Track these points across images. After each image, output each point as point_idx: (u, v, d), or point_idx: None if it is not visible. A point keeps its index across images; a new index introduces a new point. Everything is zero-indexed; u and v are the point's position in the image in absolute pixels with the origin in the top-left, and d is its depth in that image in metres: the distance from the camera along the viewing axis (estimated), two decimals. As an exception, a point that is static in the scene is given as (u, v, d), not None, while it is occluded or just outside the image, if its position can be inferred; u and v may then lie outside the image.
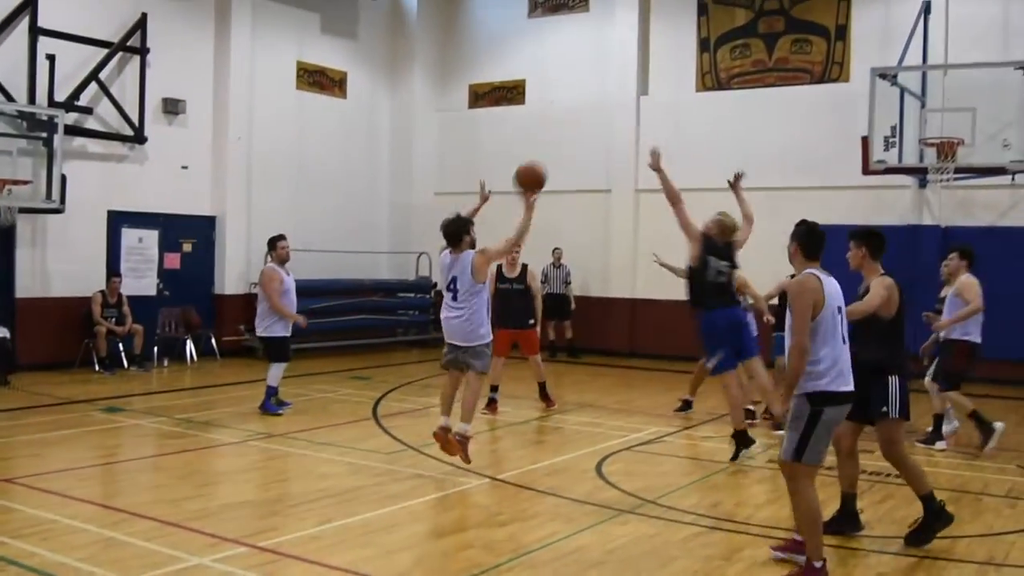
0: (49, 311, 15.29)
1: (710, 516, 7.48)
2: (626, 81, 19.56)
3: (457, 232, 8.92)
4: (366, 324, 19.63)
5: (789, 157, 17.70)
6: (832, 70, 17.90)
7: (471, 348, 8.83)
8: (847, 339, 6.01)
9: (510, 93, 21.24)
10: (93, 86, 15.78)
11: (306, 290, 15.35)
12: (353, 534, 6.80)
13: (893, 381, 6.83)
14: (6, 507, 7.27)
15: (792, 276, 11.82)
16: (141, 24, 16.40)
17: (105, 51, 15.93)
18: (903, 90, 15.65)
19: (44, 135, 14.85)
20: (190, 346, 16.74)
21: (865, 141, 15.08)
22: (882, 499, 8.05)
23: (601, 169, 19.74)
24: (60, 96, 15.26)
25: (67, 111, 15.19)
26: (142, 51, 16.44)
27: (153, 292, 16.91)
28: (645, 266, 19.09)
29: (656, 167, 9.65)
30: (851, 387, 5.99)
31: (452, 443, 8.65)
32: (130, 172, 16.54)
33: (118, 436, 10.66)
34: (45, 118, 14.84)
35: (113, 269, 15.97)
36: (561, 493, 8.08)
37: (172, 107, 17.04)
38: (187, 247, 17.50)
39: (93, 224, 15.99)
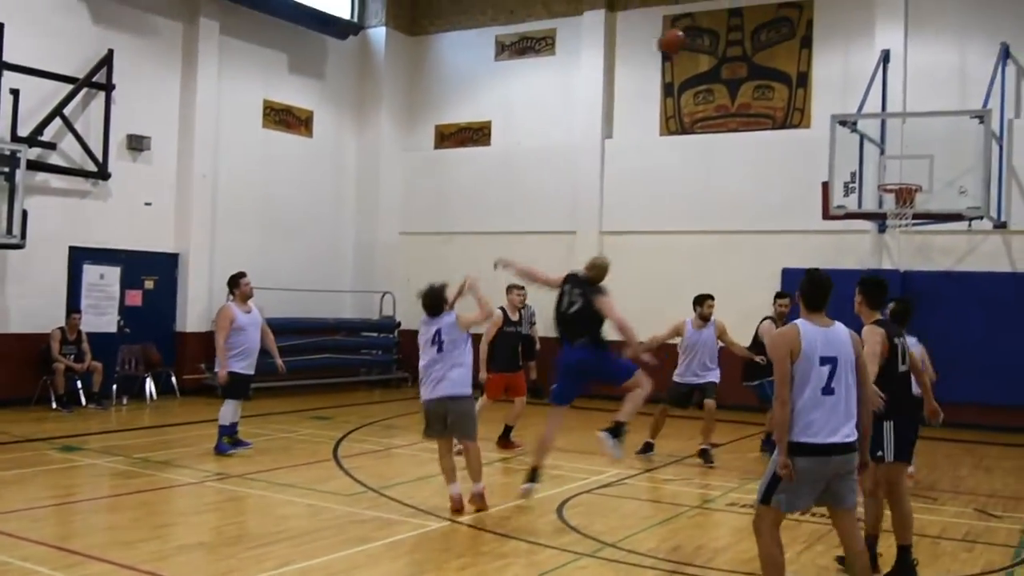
0: (7, 347, 15.13)
1: (670, 560, 7.48)
2: (591, 124, 19.75)
3: (437, 302, 9.00)
4: (329, 363, 19.53)
5: (751, 201, 17.94)
6: (793, 116, 18.18)
7: (459, 403, 8.87)
8: (833, 390, 5.77)
9: (476, 134, 21.37)
10: (57, 121, 15.74)
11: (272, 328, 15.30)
12: (311, 577, 6.75)
13: (888, 426, 6.92)
14: (-43, 548, 7.15)
15: (767, 318, 12.02)
16: (107, 60, 16.39)
17: (70, 87, 15.90)
18: (863, 137, 15.90)
19: (6, 170, 14.70)
20: (150, 384, 16.59)
21: (825, 186, 15.29)
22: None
23: (566, 211, 19.86)
24: (23, 131, 15.21)
25: (30, 146, 15.14)
26: (107, 87, 16.42)
27: (114, 329, 16.76)
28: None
29: (508, 268, 9.72)
30: (832, 439, 5.74)
31: (472, 503, 8.93)
32: (93, 208, 16.45)
33: (74, 476, 10.52)
34: (8, 153, 14.71)
35: (73, 305, 15.83)
36: (522, 536, 8.05)
37: (137, 144, 17.00)
38: (149, 284, 17.40)
39: (54, 260, 15.86)
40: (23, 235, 14.71)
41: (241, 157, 18.91)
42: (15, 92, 15.05)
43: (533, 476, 9.22)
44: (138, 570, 6.73)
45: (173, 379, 17.08)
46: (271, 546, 7.50)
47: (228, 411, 11.56)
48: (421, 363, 9.01)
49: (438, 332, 8.89)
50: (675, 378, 12.21)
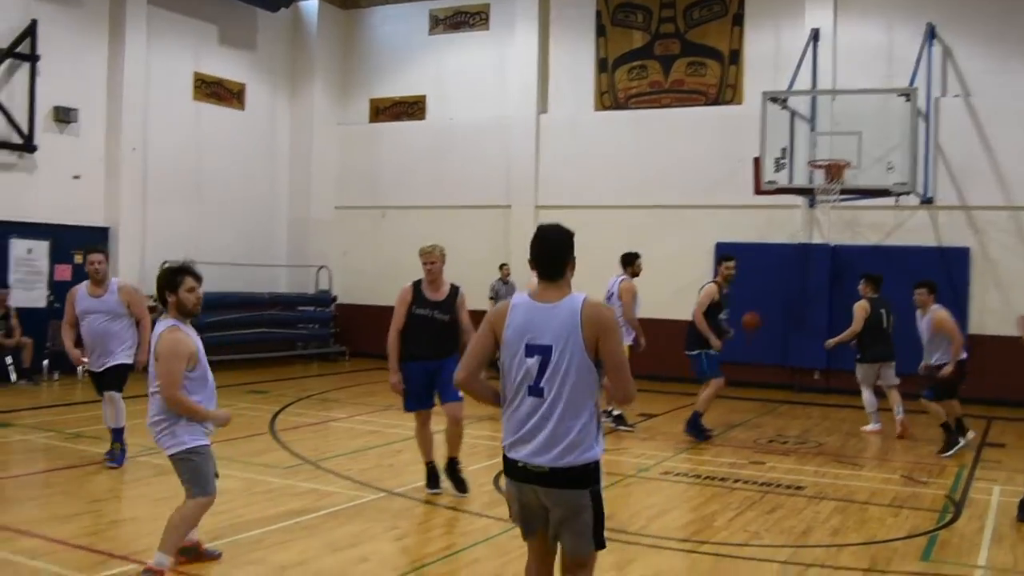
0: (-69, 324, 14.79)
1: (604, 528, 7.57)
2: (526, 99, 19.75)
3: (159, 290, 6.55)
4: (264, 337, 19.40)
5: (684, 176, 18.11)
6: (726, 93, 18.35)
7: (172, 458, 6.25)
8: (542, 391, 4.19)
9: (411, 108, 21.26)
10: (-20, 92, 15.37)
11: (203, 303, 15.12)
12: (244, 550, 6.74)
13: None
14: None
15: (711, 282, 11.85)
16: (31, 31, 16.02)
17: (-7, 57, 15.54)
18: (793, 113, 16.12)
19: (-72, 142, 14.37)
20: (80, 360, 16.31)
21: (757, 162, 15.49)
22: (771, 509, 8.28)
23: (501, 185, 19.89)
24: (-55, 102, 14.84)
25: (-47, 118, 14.78)
26: (32, 58, 16.07)
27: (43, 304, 16.45)
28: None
29: None
30: (532, 459, 4.20)
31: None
32: (19, 181, 16.11)
33: (6, 451, 10.36)
34: (-71, 124, 14.36)
35: (1, 281, 15.51)
36: (457, 506, 8.12)
37: (64, 115, 16.65)
38: (79, 259, 17.07)
39: (-21, 234, 15.53)
40: (-53, 209, 14.36)
41: (172, 130, 18.62)
42: (-64, 62, 14.69)
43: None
44: (70, 544, 6.68)
45: (104, 355, 16.80)
46: (205, 519, 7.44)
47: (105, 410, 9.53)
48: None
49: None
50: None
